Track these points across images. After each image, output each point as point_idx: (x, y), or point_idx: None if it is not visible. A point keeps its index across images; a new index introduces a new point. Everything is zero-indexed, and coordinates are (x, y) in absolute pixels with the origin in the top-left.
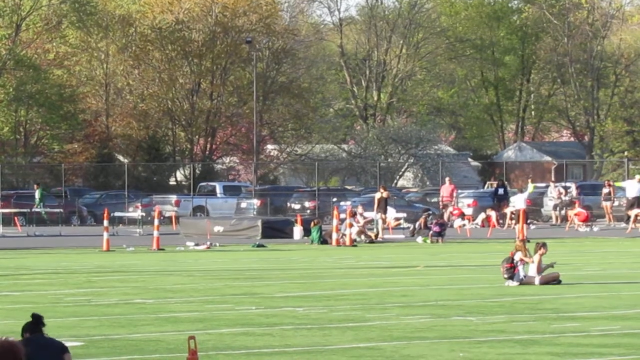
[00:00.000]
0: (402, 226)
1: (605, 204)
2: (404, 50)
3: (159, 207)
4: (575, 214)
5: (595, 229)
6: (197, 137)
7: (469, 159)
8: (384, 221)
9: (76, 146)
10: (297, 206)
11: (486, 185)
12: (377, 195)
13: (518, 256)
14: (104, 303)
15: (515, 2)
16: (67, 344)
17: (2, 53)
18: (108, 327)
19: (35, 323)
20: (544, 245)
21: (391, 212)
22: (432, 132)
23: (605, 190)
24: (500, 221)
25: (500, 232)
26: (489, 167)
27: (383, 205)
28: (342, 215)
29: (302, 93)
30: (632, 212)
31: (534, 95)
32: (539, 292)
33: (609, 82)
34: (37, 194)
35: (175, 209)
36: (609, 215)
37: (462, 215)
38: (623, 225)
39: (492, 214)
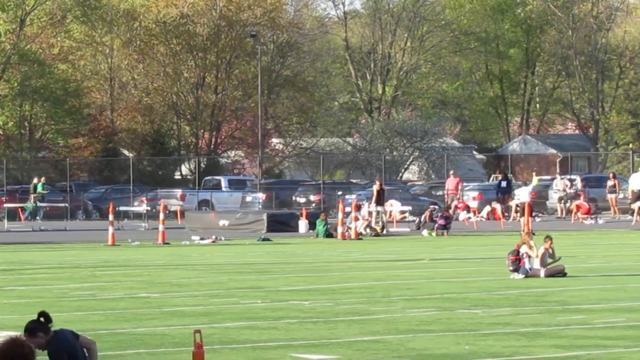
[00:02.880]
0: (407, 219)
1: (610, 197)
2: (408, 44)
3: (164, 201)
4: (577, 206)
5: (600, 221)
6: (202, 131)
7: (474, 152)
8: (383, 213)
9: (81, 141)
10: (302, 200)
11: (491, 178)
12: (376, 188)
13: (524, 249)
14: (109, 297)
15: None
16: None
17: (7, 48)
18: (113, 321)
19: (46, 322)
20: (549, 238)
21: (396, 205)
22: (437, 125)
23: (610, 183)
24: (506, 214)
25: (505, 225)
26: (494, 160)
27: (381, 197)
28: (348, 209)
29: (306, 86)
30: (636, 205)
31: (538, 87)
32: (544, 285)
33: (614, 74)
34: (43, 188)
35: (181, 203)
36: (614, 208)
37: (467, 208)
38: (628, 217)
39: (497, 206)
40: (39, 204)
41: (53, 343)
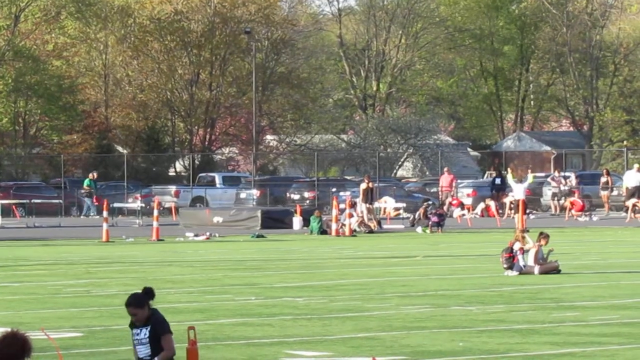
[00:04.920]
0: (401, 216)
1: (603, 194)
2: (403, 40)
3: (159, 198)
4: (571, 203)
5: (594, 218)
6: (196, 127)
7: (468, 149)
8: (370, 211)
9: (75, 137)
10: (296, 196)
11: (485, 175)
12: (363, 186)
13: (517, 246)
14: (104, 294)
15: None
16: (67, 334)
17: (1, 44)
18: (107, 317)
19: (151, 297)
20: (544, 236)
21: (391, 202)
22: (432, 122)
23: (603, 180)
24: (500, 211)
25: (499, 222)
26: (488, 157)
27: (368, 195)
28: (342, 206)
29: (301, 83)
30: (630, 202)
31: (533, 85)
32: (538, 282)
33: (608, 71)
34: (90, 184)
35: (175, 199)
36: (607, 205)
37: (461, 205)
38: (622, 214)
39: (492, 203)
40: (86, 199)
41: (155, 316)
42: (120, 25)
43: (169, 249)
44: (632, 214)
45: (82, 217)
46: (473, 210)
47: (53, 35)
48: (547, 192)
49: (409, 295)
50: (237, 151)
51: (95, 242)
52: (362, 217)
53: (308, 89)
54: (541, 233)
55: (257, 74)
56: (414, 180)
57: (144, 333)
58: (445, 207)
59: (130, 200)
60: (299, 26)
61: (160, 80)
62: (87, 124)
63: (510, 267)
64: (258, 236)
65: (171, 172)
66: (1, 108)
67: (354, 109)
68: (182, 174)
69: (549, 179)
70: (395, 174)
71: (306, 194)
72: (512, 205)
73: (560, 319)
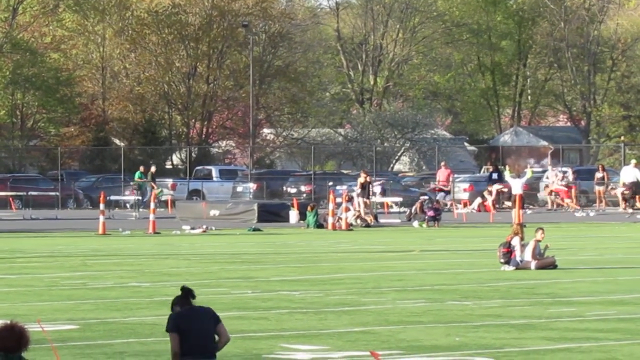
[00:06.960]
0: (395, 210)
1: (598, 189)
2: (400, 35)
3: (155, 191)
4: (556, 191)
5: (591, 213)
6: (193, 120)
7: (465, 144)
8: (367, 205)
9: (72, 129)
10: (293, 190)
11: (482, 170)
12: (360, 180)
13: (515, 241)
14: (100, 286)
15: None
16: (63, 327)
17: None
18: (104, 310)
19: (185, 296)
20: (541, 230)
21: (377, 189)
22: (429, 117)
23: (598, 175)
24: (496, 205)
25: (495, 216)
26: (485, 152)
27: (366, 189)
28: (338, 199)
29: (298, 77)
30: (618, 191)
31: (530, 79)
32: (535, 277)
33: (606, 66)
34: (141, 176)
35: (172, 192)
36: (604, 200)
37: (447, 192)
38: (619, 210)
39: (488, 198)
40: (136, 192)
41: (176, 316)
42: (118, 18)
43: (166, 241)
44: (624, 206)
45: (129, 211)
46: (470, 204)
47: (51, 27)
48: (544, 187)
49: (405, 289)
50: (234, 144)
51: (92, 234)
52: (359, 211)
53: (305, 83)
54: (539, 228)
55: (255, 68)
56: (411, 174)
57: None
58: (440, 202)
59: (127, 192)
60: (297, 20)
61: (158, 73)
62: (85, 117)
63: (507, 262)
64: (254, 229)
65: (168, 165)
66: None
67: (351, 103)
68: (179, 166)
69: (547, 174)
70: (392, 168)
71: (303, 188)
72: (499, 196)
73: (556, 314)
